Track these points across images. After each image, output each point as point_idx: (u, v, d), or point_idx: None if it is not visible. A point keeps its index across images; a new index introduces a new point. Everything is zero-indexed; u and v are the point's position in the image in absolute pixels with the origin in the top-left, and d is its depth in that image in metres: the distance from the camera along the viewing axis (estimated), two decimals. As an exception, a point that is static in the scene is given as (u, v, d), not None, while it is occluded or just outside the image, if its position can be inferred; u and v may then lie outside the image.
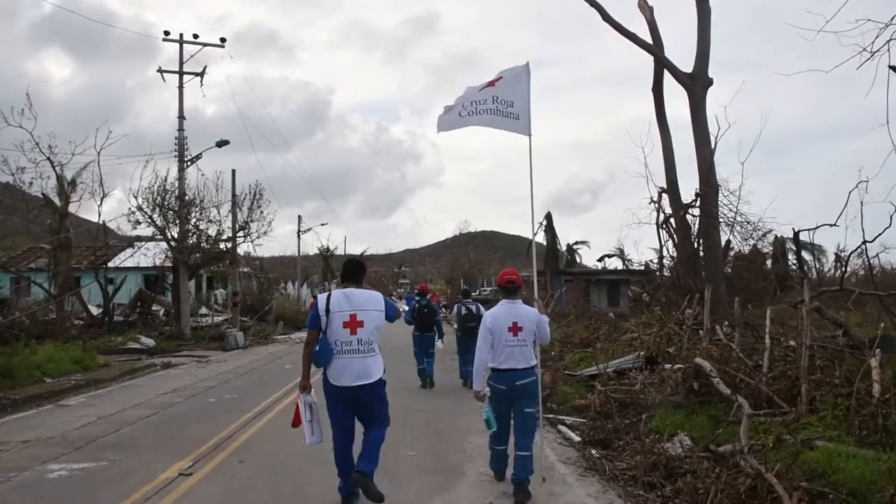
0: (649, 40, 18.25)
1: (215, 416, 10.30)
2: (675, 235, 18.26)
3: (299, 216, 50.57)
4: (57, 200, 23.82)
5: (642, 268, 52.85)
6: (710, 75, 17.11)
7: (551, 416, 9.87)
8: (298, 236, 50.58)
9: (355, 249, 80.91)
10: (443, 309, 17.00)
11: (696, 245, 17.14)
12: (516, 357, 6.17)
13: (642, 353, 11.15)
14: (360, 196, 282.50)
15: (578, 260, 55.91)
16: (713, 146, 16.46)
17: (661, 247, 18.18)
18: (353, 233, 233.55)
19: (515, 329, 6.18)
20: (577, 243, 57.15)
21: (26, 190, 23.04)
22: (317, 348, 5.63)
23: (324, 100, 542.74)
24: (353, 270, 6.09)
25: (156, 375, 16.09)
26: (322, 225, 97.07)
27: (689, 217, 17.33)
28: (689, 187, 17.95)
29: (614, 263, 53.60)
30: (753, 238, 16.32)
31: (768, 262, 23.87)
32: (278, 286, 45.80)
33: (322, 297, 5.92)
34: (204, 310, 35.83)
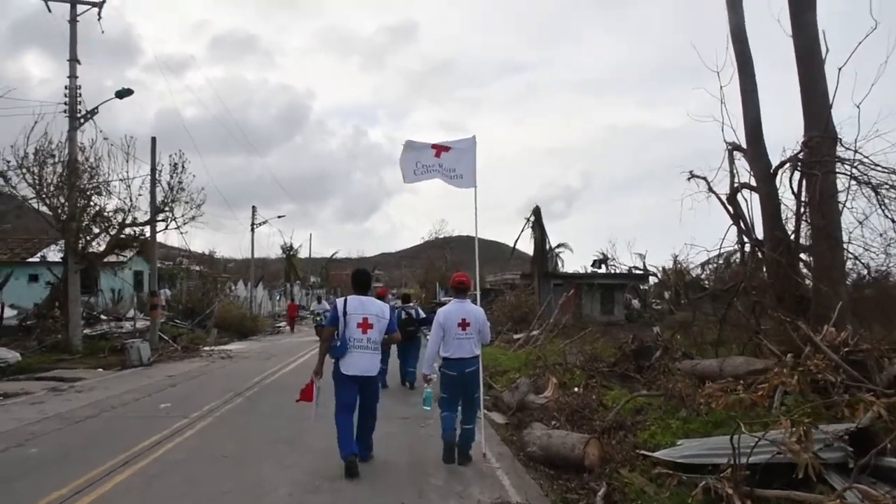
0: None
1: None
2: (740, 211, 12.31)
3: (253, 207, 44.16)
4: None
5: (642, 271, 48.17)
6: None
7: None
8: (252, 229, 44.20)
9: (325, 251, 75.24)
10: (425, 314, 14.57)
11: (798, 223, 11.20)
12: (464, 348, 7.17)
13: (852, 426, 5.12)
14: (338, 200, 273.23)
15: (560, 265, 50.35)
16: (827, 75, 10.71)
17: (739, 227, 12.08)
18: (328, 236, 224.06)
19: (464, 324, 7.19)
20: (559, 246, 51.42)
21: None
22: (337, 343, 6.82)
23: (302, 104, 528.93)
24: (366, 281, 7.44)
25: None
26: (279, 217, 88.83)
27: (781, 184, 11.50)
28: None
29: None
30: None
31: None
32: (223, 286, 39.22)
33: (339, 301, 7.12)
34: (132, 312, 29.48)
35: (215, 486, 6.22)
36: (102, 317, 26.68)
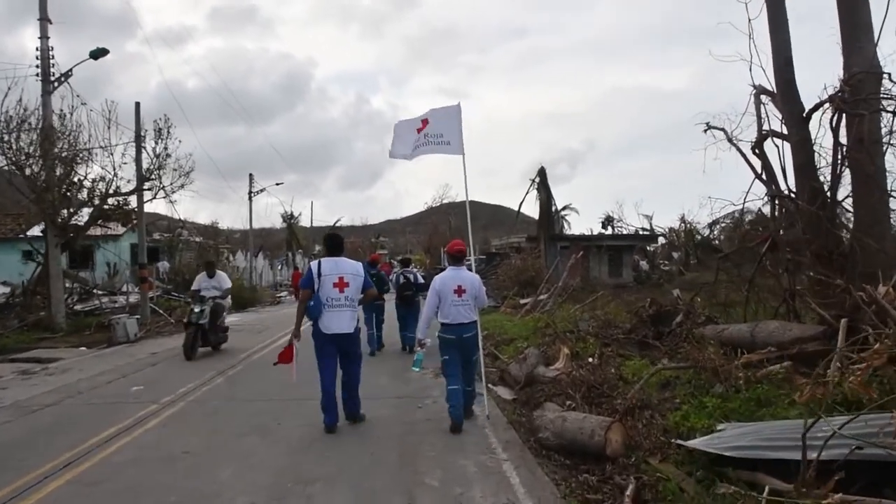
0: None
1: None
2: (767, 161, 11.05)
3: (250, 175, 42.87)
4: None
5: (649, 231, 46.85)
6: None
7: None
8: (250, 197, 43.04)
9: (328, 220, 73.90)
10: (423, 279, 14.34)
11: (837, 172, 9.96)
12: (461, 314, 7.31)
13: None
14: (341, 168, 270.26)
15: (567, 227, 49.08)
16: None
17: (766, 179, 10.89)
18: (331, 204, 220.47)
19: (460, 291, 7.32)
20: (564, 208, 50.06)
21: None
22: (311, 304, 6.97)
23: (304, 72, 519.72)
24: (338, 243, 7.57)
25: None
26: (277, 184, 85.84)
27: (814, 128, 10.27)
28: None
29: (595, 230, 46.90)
30: None
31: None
32: (220, 256, 38.12)
33: (314, 264, 7.26)
34: (126, 287, 28.38)
35: (162, 495, 5.14)
36: (96, 291, 25.70)
